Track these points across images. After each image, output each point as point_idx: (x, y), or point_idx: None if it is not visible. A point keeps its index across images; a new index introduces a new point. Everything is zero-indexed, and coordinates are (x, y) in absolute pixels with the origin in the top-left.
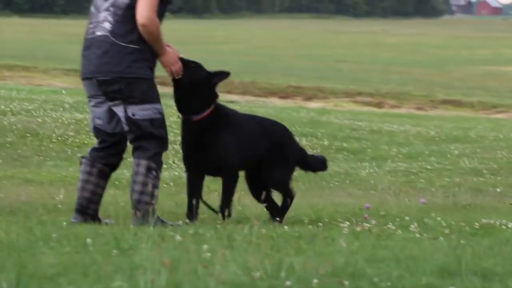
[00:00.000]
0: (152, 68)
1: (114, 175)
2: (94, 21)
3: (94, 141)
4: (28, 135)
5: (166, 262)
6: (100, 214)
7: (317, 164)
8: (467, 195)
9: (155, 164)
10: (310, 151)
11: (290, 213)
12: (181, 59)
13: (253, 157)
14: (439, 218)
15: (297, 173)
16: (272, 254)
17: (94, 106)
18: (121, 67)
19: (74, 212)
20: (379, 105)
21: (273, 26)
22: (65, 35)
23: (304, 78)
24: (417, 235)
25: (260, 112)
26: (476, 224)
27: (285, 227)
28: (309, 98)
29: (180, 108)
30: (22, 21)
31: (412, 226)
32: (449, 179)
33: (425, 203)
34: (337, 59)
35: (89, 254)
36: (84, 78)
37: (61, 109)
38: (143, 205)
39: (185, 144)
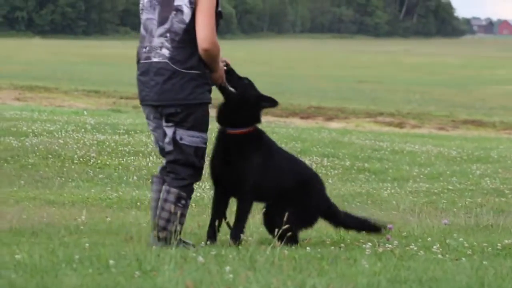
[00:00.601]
0: (210, 91)
1: (135, 196)
2: (148, 46)
3: (115, 162)
4: (50, 156)
5: (189, 284)
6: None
7: (352, 223)
8: (489, 215)
9: (186, 194)
10: (332, 171)
11: (312, 233)
12: (236, 73)
13: (273, 189)
14: (461, 239)
15: None
16: (294, 275)
17: (153, 130)
18: (184, 94)
19: (152, 231)
20: (400, 125)
21: (294, 47)
22: (87, 56)
23: (325, 99)
24: (440, 256)
25: (281, 132)
26: (499, 245)
27: (308, 248)
28: (330, 119)
29: (219, 118)
30: (44, 42)
31: (435, 247)
32: (471, 199)
33: (447, 224)
34: (358, 79)
35: (111, 276)
36: (143, 104)
37: (83, 130)
38: (167, 233)
39: (214, 155)
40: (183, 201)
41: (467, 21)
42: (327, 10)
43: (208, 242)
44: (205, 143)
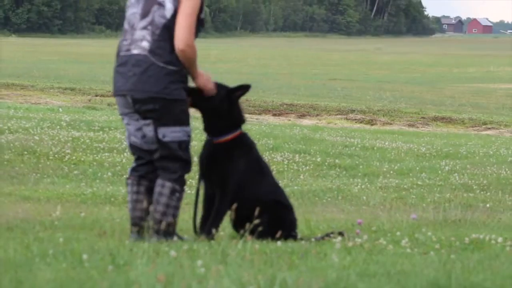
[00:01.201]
0: (185, 90)
1: (109, 191)
2: (130, 39)
3: (89, 158)
4: (25, 152)
5: (161, 277)
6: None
7: None
8: (457, 210)
9: (179, 186)
10: (303, 167)
11: None
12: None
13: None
14: (429, 233)
15: (290, 188)
16: (265, 269)
17: (128, 124)
18: (159, 87)
19: (131, 232)
20: (371, 122)
21: (267, 45)
22: (62, 54)
23: (297, 96)
24: (408, 250)
25: (254, 129)
26: (466, 239)
27: (278, 242)
28: (302, 116)
29: (205, 129)
30: (20, 41)
31: (403, 241)
32: (439, 194)
33: (416, 219)
34: (330, 77)
35: (85, 270)
36: (119, 95)
37: (58, 127)
38: (164, 225)
39: (202, 159)
40: (177, 194)
41: (437, 20)
42: (299, 8)
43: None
44: (189, 136)
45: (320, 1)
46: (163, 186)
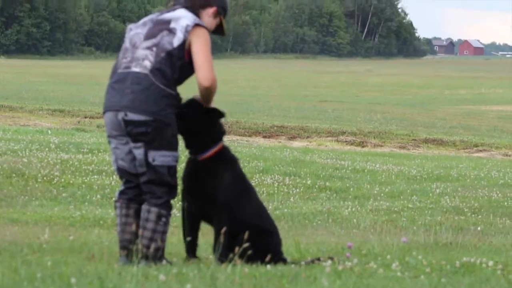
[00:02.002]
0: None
1: (98, 214)
2: (130, 57)
3: (78, 181)
4: (13, 175)
5: None
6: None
7: None
8: (448, 233)
9: (165, 211)
10: (293, 190)
11: None
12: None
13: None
14: (420, 257)
15: (280, 211)
16: None
17: (116, 147)
18: (156, 108)
19: (120, 256)
20: (362, 144)
21: (257, 66)
22: (51, 75)
23: (287, 118)
24: (399, 273)
25: (244, 151)
26: (457, 262)
27: (268, 266)
28: (292, 138)
29: (187, 147)
30: (9, 62)
31: (394, 264)
32: (430, 217)
33: (407, 242)
34: (320, 99)
35: None
36: (111, 110)
37: (47, 149)
38: (152, 251)
39: (186, 179)
40: (163, 219)
41: (428, 42)
42: (290, 30)
43: (190, 261)
44: (177, 161)
45: (310, 22)
46: (149, 212)
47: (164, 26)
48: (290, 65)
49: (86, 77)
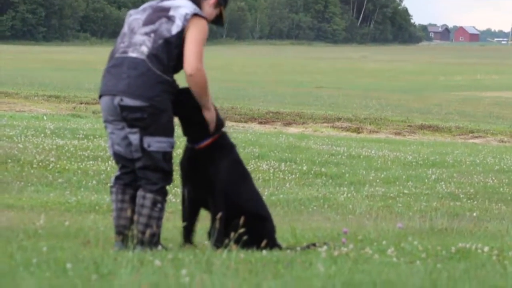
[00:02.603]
0: (171, 102)
1: (94, 200)
2: (127, 42)
3: (74, 167)
4: (9, 161)
5: (145, 287)
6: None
7: None
8: (444, 219)
9: (161, 197)
10: (289, 176)
11: None
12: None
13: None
14: (416, 242)
15: (276, 197)
16: (250, 279)
17: (112, 132)
18: (152, 94)
19: (115, 241)
20: (357, 130)
21: (253, 53)
22: (47, 61)
23: (283, 104)
24: (394, 259)
25: (240, 137)
26: (453, 248)
27: (263, 251)
28: (288, 124)
29: (185, 134)
30: (4, 48)
31: (389, 250)
32: (426, 203)
33: (402, 228)
34: (316, 85)
35: (68, 279)
36: (107, 95)
37: (42, 135)
38: (147, 236)
39: (184, 165)
40: (159, 205)
41: (424, 28)
42: (285, 16)
43: (186, 245)
44: (172, 147)
45: (306, 9)
46: (144, 198)
47: (163, 13)
48: (285, 51)
49: (81, 63)
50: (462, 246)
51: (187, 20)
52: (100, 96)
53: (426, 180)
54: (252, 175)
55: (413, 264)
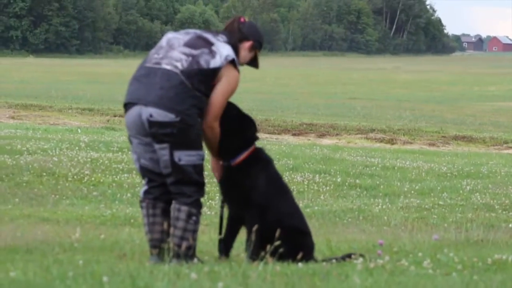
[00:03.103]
0: (201, 118)
1: (129, 213)
2: (163, 54)
3: (108, 180)
4: (44, 174)
5: None
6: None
7: None
8: (479, 230)
9: (196, 210)
10: (323, 188)
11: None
12: None
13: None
14: (451, 254)
15: (311, 209)
16: None
17: (137, 147)
18: (183, 107)
19: (151, 255)
20: (391, 141)
21: (286, 64)
22: (80, 74)
23: (317, 115)
24: (430, 271)
25: (274, 149)
26: (489, 259)
27: (299, 264)
28: (322, 135)
29: (220, 153)
30: (38, 61)
31: (425, 262)
32: (461, 214)
33: (438, 239)
34: (349, 96)
35: None
36: (135, 104)
37: (77, 148)
38: (183, 250)
39: (221, 186)
40: (194, 217)
41: (457, 38)
42: (318, 27)
43: (222, 258)
44: (203, 159)
45: (339, 20)
46: (179, 211)
47: (207, 44)
48: (318, 62)
49: (115, 76)
50: (499, 258)
51: (227, 60)
52: (126, 104)
53: (461, 191)
54: None
55: (450, 276)
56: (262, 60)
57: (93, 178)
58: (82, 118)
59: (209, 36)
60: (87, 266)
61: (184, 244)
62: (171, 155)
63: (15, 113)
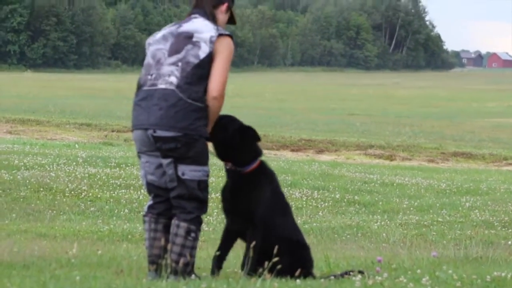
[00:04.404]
0: (206, 127)
1: (126, 228)
2: (155, 73)
3: (106, 195)
4: (41, 189)
5: None
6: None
7: None
8: (478, 247)
9: (195, 226)
10: (322, 204)
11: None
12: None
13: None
14: (450, 271)
15: (309, 225)
16: None
17: (146, 162)
18: (185, 123)
19: (148, 271)
20: (390, 157)
21: (285, 80)
22: (78, 89)
23: (315, 131)
24: None
25: (272, 165)
26: (488, 277)
27: (297, 281)
28: (320, 151)
29: (232, 160)
30: (36, 76)
31: (424, 279)
32: (460, 231)
33: (437, 256)
34: (348, 112)
35: None
36: (139, 129)
37: (74, 163)
38: (181, 266)
39: (225, 191)
40: (193, 234)
41: (457, 54)
42: (317, 43)
43: (215, 273)
44: (207, 176)
45: (338, 35)
46: (178, 227)
47: (187, 40)
48: (317, 78)
49: (112, 91)
50: (498, 275)
51: (212, 42)
52: (132, 130)
53: (460, 208)
54: None
55: None
56: (260, 76)
57: (90, 194)
58: (80, 133)
59: (185, 28)
60: (84, 282)
61: (182, 261)
62: (175, 168)
63: (12, 128)
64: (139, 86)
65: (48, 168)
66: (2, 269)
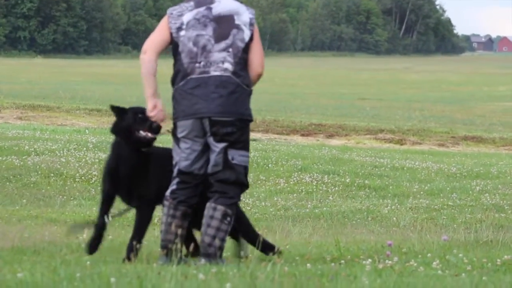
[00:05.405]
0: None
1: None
2: (204, 61)
3: None
4: (52, 175)
5: None
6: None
7: None
8: (488, 231)
9: (231, 211)
10: (332, 188)
11: (313, 250)
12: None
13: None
14: (461, 255)
15: (319, 210)
16: None
17: (189, 148)
18: (243, 109)
19: (160, 255)
20: (400, 142)
21: (295, 64)
22: (88, 75)
23: (325, 116)
24: (439, 272)
25: (282, 149)
26: (498, 260)
27: (308, 264)
28: (330, 136)
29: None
30: (46, 62)
31: (434, 263)
32: (471, 215)
33: (447, 240)
34: (358, 96)
35: None
36: (195, 118)
37: (85, 148)
38: (213, 249)
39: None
40: (228, 218)
41: (467, 38)
42: (327, 28)
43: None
44: (248, 162)
45: (348, 20)
46: (215, 209)
47: (231, 24)
48: (327, 63)
49: (123, 76)
50: (508, 258)
51: (252, 24)
52: (182, 119)
53: (470, 192)
54: (295, 188)
55: (459, 277)
56: (271, 61)
57: (100, 179)
58: (90, 119)
59: (218, 8)
60: (95, 267)
61: (215, 244)
62: (225, 153)
63: (22, 113)
64: (185, 75)
65: (59, 154)
66: (13, 255)
